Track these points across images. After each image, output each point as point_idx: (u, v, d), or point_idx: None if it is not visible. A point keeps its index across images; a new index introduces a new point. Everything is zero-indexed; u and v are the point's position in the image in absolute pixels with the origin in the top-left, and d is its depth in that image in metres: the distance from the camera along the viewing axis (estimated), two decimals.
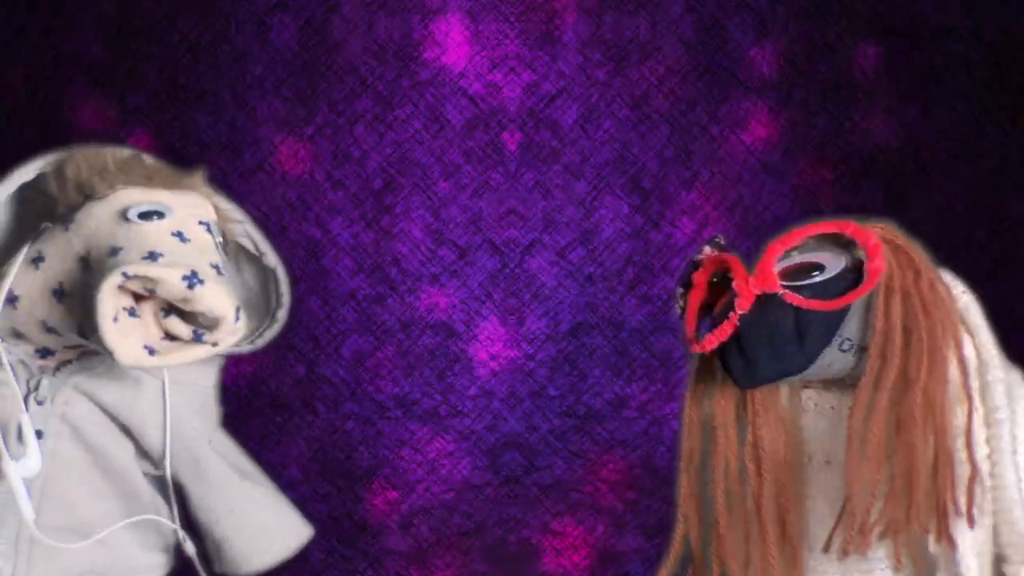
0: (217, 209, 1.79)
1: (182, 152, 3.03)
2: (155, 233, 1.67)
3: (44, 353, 1.80)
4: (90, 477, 1.85)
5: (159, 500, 1.93)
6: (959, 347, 1.72)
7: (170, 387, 1.85)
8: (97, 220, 1.71)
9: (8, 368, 1.78)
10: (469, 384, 3.15)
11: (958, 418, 1.72)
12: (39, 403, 1.81)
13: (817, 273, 1.69)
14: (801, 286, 1.68)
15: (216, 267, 1.66)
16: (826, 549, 1.74)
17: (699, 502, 1.80)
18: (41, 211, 1.79)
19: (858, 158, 3.15)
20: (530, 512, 3.15)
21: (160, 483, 1.93)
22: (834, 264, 1.70)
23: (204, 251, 1.68)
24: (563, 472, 3.15)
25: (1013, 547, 1.75)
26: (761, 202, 3.14)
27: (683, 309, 1.75)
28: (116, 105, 3.07)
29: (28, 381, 1.81)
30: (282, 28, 3.08)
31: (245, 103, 3.09)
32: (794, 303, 1.66)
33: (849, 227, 1.71)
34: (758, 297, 1.67)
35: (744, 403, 1.77)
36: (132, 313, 1.62)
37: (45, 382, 1.81)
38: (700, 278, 1.75)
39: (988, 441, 1.74)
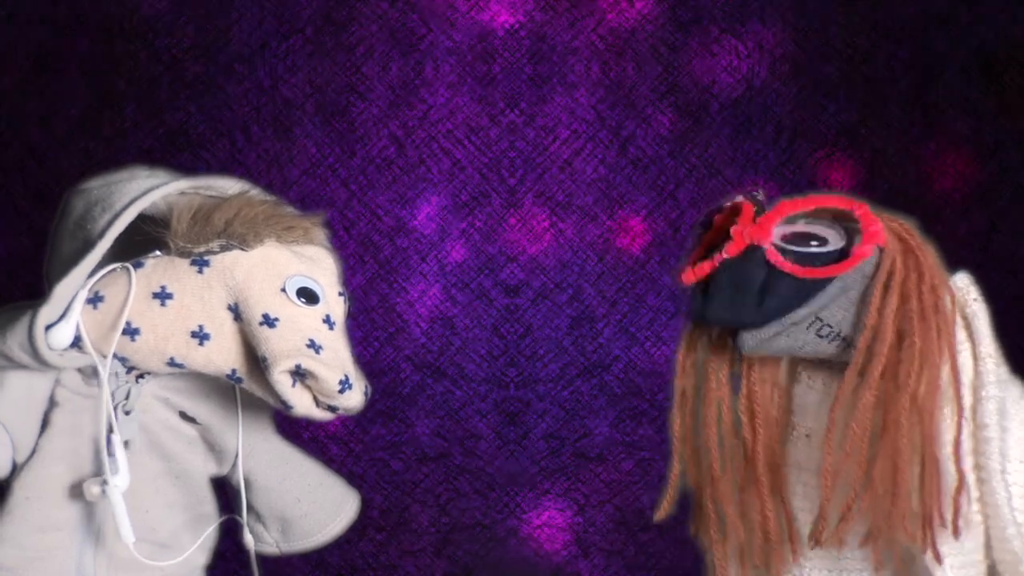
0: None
1: None
2: (313, 320, 1.73)
3: (133, 366, 1.81)
4: (163, 485, 1.87)
5: (214, 500, 1.96)
6: (953, 356, 1.69)
7: (241, 387, 1.84)
8: (247, 276, 1.72)
9: (105, 383, 1.77)
10: None
11: (947, 427, 1.69)
12: (127, 413, 1.82)
13: (816, 244, 1.68)
14: (788, 250, 1.67)
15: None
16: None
17: (693, 445, 1.78)
18: (131, 230, 1.76)
19: None
20: None
21: (219, 483, 1.95)
22: (836, 242, 1.69)
23: (344, 340, 1.76)
24: None
25: (1005, 564, 1.73)
26: None
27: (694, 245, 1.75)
28: None
29: (115, 392, 1.80)
30: None
31: None
32: (772, 261, 1.65)
33: (860, 208, 1.68)
34: (747, 248, 1.67)
35: (740, 355, 1.74)
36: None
37: (133, 392, 1.82)
38: (720, 219, 1.73)
39: (976, 459, 1.70)
